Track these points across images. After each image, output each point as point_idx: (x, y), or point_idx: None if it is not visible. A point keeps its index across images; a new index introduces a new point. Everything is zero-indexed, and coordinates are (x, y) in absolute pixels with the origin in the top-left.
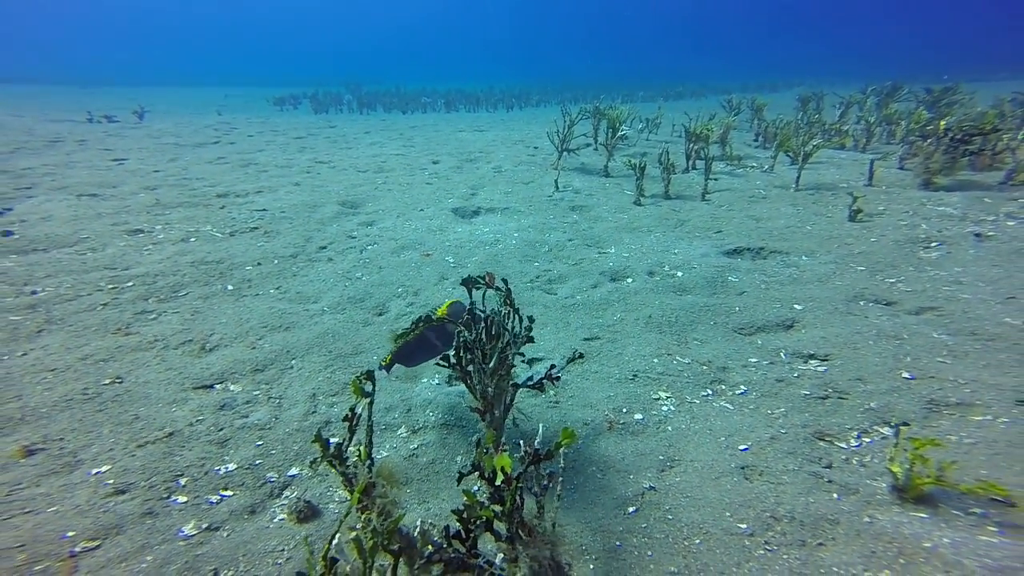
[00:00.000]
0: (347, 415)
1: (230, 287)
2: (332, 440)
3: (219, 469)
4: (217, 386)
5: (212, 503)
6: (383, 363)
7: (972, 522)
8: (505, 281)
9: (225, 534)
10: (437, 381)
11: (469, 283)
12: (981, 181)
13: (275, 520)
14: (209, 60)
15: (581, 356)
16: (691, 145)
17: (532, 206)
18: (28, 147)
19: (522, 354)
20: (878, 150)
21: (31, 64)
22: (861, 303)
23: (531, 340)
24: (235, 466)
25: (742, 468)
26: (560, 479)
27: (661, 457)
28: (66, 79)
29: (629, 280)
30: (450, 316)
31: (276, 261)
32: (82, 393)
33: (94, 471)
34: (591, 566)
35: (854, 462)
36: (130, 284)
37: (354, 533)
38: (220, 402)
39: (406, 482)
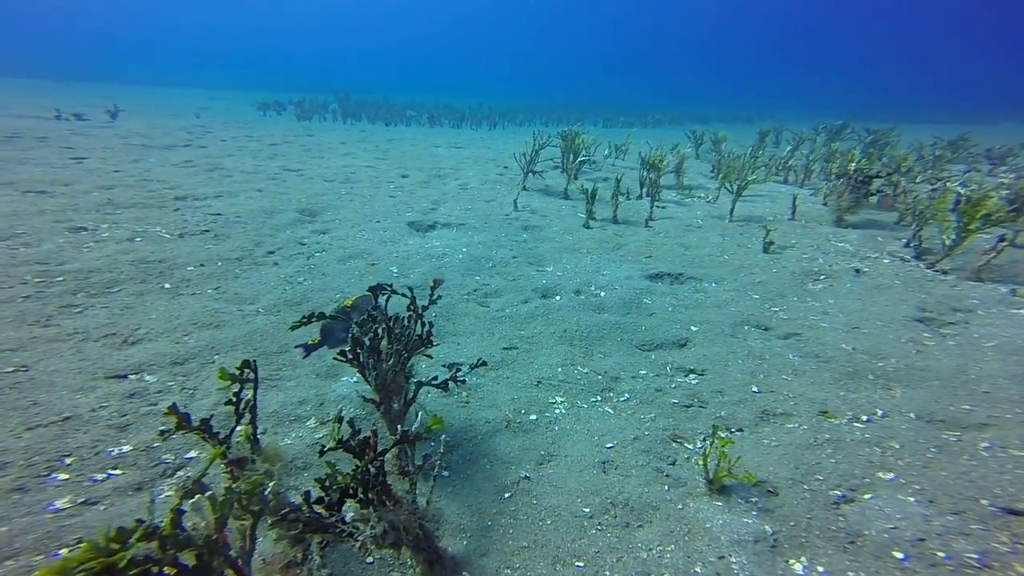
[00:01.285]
0: (230, 399)
1: (167, 286)
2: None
3: (112, 451)
4: (132, 376)
5: (96, 480)
6: (311, 342)
7: (744, 508)
8: (410, 288)
9: (102, 508)
10: (356, 379)
11: (376, 289)
12: (883, 220)
13: (161, 496)
14: (201, 62)
15: (484, 363)
16: (645, 173)
17: (488, 223)
18: None
19: (429, 356)
20: (815, 186)
21: (7, 56)
22: (745, 327)
23: (430, 343)
24: (129, 448)
25: (603, 463)
26: (438, 463)
27: (542, 452)
28: (43, 73)
29: (557, 297)
30: (356, 308)
31: (220, 263)
32: None
33: None
34: (464, 542)
35: (692, 460)
36: (60, 279)
37: (209, 493)
38: (131, 391)
39: (304, 467)
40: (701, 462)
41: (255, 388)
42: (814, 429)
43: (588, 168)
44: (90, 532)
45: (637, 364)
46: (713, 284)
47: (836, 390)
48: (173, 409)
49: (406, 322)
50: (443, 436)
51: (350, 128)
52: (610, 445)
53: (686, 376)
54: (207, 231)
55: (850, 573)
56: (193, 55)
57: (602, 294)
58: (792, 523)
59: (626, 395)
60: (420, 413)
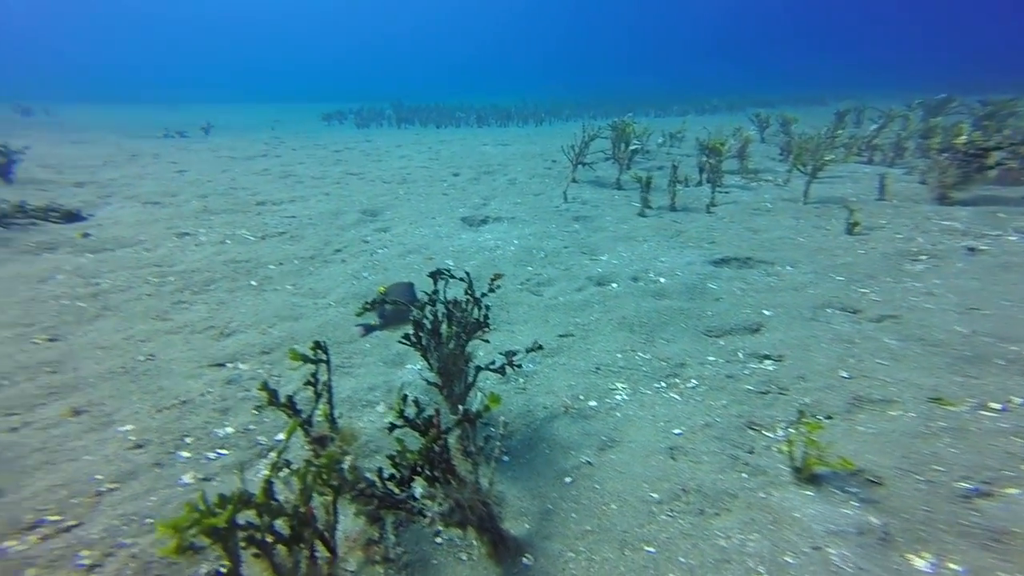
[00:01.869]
0: (309, 379)
1: (253, 283)
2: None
3: (218, 432)
4: (229, 364)
5: (209, 459)
6: (373, 324)
7: (841, 498)
8: (468, 273)
9: (215, 483)
10: (420, 366)
11: (435, 275)
12: (1004, 196)
13: (259, 475)
14: (274, 79)
15: (539, 347)
16: (704, 158)
17: (538, 216)
18: (114, 161)
19: (486, 340)
20: (908, 164)
21: (132, 86)
22: (828, 310)
23: (487, 327)
24: (232, 430)
25: (671, 449)
26: (500, 445)
27: (603, 438)
28: (156, 99)
29: (614, 285)
30: (389, 292)
31: (296, 262)
32: (121, 368)
33: (121, 429)
34: (526, 525)
35: (773, 449)
36: (171, 279)
37: (295, 467)
38: (228, 378)
39: (376, 450)
40: (785, 448)
41: (328, 369)
42: (925, 416)
43: (641, 158)
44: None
45: (704, 350)
46: (788, 267)
47: (950, 375)
48: (265, 386)
49: (464, 306)
50: (502, 418)
51: (404, 132)
52: (678, 431)
53: (761, 362)
54: (284, 232)
55: (1000, 573)
56: (266, 74)
57: (662, 280)
58: (906, 515)
59: (693, 381)
60: (480, 396)
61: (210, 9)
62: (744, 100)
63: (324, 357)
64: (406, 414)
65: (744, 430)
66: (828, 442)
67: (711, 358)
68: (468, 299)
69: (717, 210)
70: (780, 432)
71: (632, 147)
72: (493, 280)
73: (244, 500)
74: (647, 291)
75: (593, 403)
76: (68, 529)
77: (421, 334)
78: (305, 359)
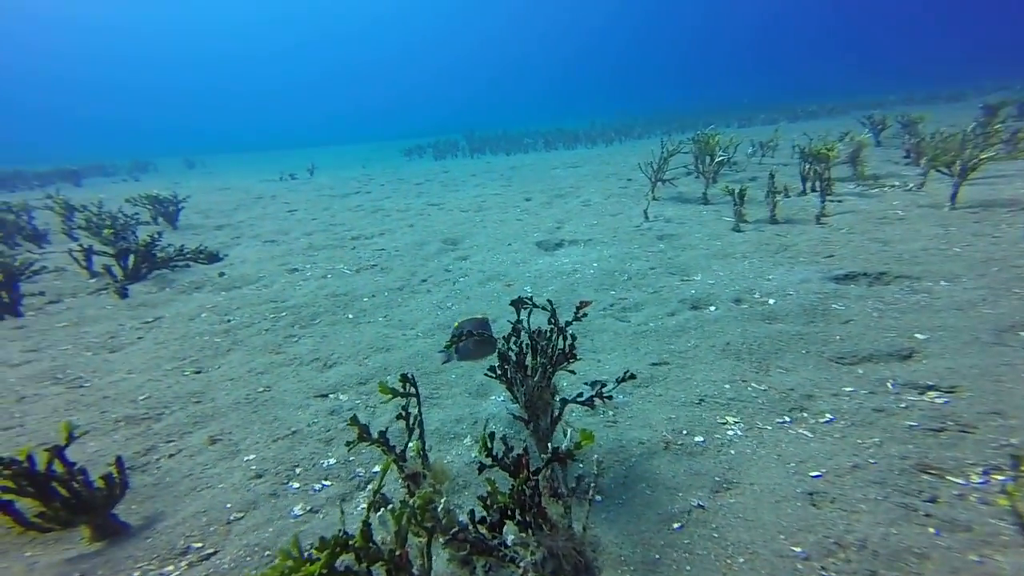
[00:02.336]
0: (400, 413)
1: (350, 316)
2: (379, 430)
3: (323, 463)
4: (331, 395)
5: (315, 490)
6: (446, 346)
7: None
8: (550, 302)
9: (321, 516)
10: (503, 397)
11: (517, 303)
12: None
13: (358, 508)
14: (360, 121)
15: (632, 376)
16: (807, 166)
17: (616, 237)
18: (244, 204)
19: (572, 371)
20: None
21: (258, 135)
22: (1021, 334)
23: (574, 357)
24: (335, 461)
25: (809, 494)
26: (593, 485)
27: (717, 478)
28: (274, 145)
29: (711, 308)
30: (462, 326)
31: (386, 293)
32: (245, 398)
33: (246, 458)
34: None
35: (972, 499)
36: (284, 314)
37: (391, 506)
38: (331, 408)
39: (465, 485)
40: (1004, 502)
41: (419, 403)
42: None
43: (728, 170)
44: (318, 538)
45: (836, 380)
46: (942, 282)
47: None
48: (355, 421)
49: (549, 336)
50: (595, 456)
51: (477, 161)
52: (816, 474)
53: (922, 394)
54: (375, 265)
55: None
56: (353, 117)
57: (771, 301)
58: None
59: (828, 416)
60: (568, 431)
61: (301, 75)
62: (848, 103)
63: (412, 391)
64: (494, 452)
65: (915, 474)
66: None
67: (848, 389)
68: (552, 328)
69: (830, 221)
70: (978, 479)
71: (718, 159)
72: (579, 308)
73: (342, 544)
74: (754, 314)
75: (699, 439)
76: (208, 557)
77: (506, 367)
78: (394, 392)
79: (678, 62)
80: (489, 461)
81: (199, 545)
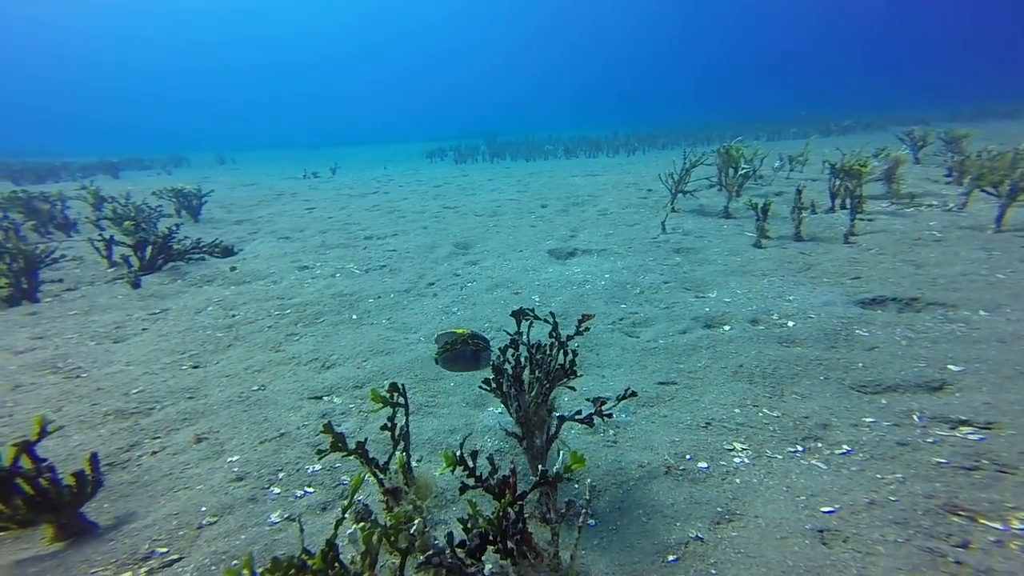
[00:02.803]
0: (386, 424)
1: (354, 316)
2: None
3: (308, 468)
4: (325, 397)
5: (297, 497)
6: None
7: None
8: (552, 314)
9: (296, 527)
10: (500, 410)
11: (518, 314)
12: None
13: (345, 518)
14: (385, 123)
15: (633, 394)
16: (837, 182)
17: (632, 248)
18: (266, 200)
19: (572, 388)
20: None
21: (288, 133)
22: None
23: (574, 374)
24: (320, 467)
25: (820, 531)
26: (585, 511)
27: (719, 509)
28: (302, 143)
29: (726, 327)
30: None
31: (392, 295)
32: (238, 396)
33: (229, 459)
34: None
35: (1013, 547)
36: (288, 311)
37: (362, 523)
38: (323, 411)
39: (453, 500)
40: None
41: (407, 413)
42: None
43: (753, 184)
44: (291, 549)
45: (857, 409)
46: (982, 312)
47: None
48: (329, 428)
49: (548, 350)
50: (588, 480)
51: (496, 166)
52: (829, 509)
53: (954, 428)
54: (384, 266)
55: None
56: (379, 118)
57: (790, 324)
58: None
59: (845, 447)
60: (562, 452)
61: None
62: (887, 119)
63: (401, 400)
64: (478, 472)
65: (942, 516)
66: None
67: (869, 419)
68: (553, 342)
69: (859, 240)
70: (1020, 524)
71: (742, 170)
72: (581, 322)
73: (296, 567)
74: (770, 336)
75: (703, 464)
76: (170, 564)
77: (502, 380)
78: (385, 402)
79: (708, 73)
80: (471, 481)
81: (164, 550)
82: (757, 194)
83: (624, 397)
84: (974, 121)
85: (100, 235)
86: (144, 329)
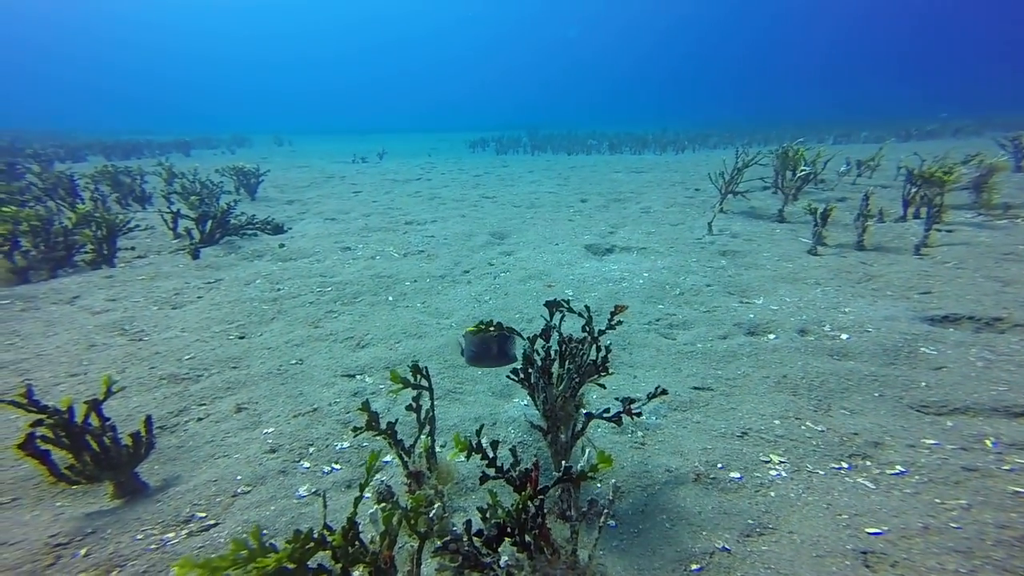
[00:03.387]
0: (411, 404)
1: (390, 298)
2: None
3: (337, 445)
4: (358, 376)
5: (324, 472)
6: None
7: None
8: (587, 308)
9: (327, 499)
10: (526, 402)
11: (551, 305)
12: None
13: (364, 496)
14: (436, 112)
15: (664, 392)
16: (912, 188)
17: (674, 248)
18: (316, 182)
19: (602, 385)
20: None
21: (344, 118)
22: None
23: (606, 371)
24: (348, 444)
25: (863, 553)
26: (607, 512)
27: (750, 521)
28: (354, 129)
29: (771, 336)
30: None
31: (428, 280)
32: (277, 369)
33: (265, 431)
34: None
35: None
36: (329, 289)
37: (383, 504)
38: (355, 389)
39: (473, 488)
40: None
41: (431, 398)
42: None
43: (814, 188)
44: (314, 523)
45: (916, 429)
46: None
47: None
48: (366, 407)
49: (580, 344)
50: (613, 480)
51: (537, 159)
52: (876, 531)
53: None
54: (422, 251)
55: None
56: (431, 109)
57: (844, 336)
58: None
59: (899, 468)
60: (588, 450)
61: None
62: (983, 123)
63: (425, 383)
64: (499, 463)
65: (1020, 548)
66: None
67: (930, 441)
68: (586, 336)
69: (934, 252)
70: None
71: (800, 171)
72: (614, 314)
73: (316, 541)
74: (821, 348)
75: (736, 475)
76: (207, 528)
77: (531, 370)
78: (406, 383)
79: (773, 73)
80: (492, 471)
81: (203, 515)
82: (818, 199)
83: (655, 396)
84: None
85: (169, 208)
86: (199, 297)
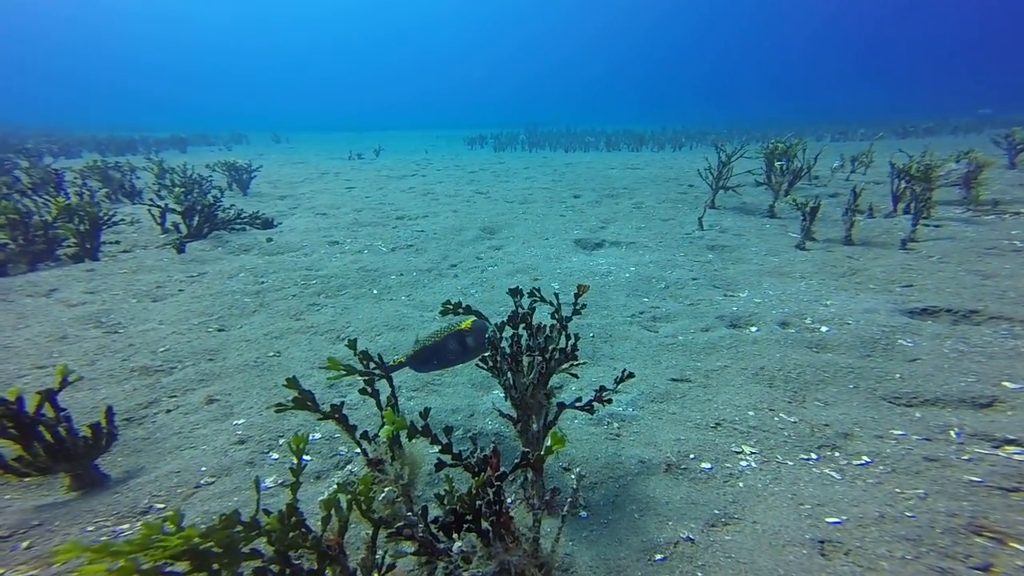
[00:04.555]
0: (364, 388)
1: (375, 291)
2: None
3: (310, 436)
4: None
5: (293, 464)
6: (393, 362)
7: None
8: (556, 295)
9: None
10: (505, 394)
11: (515, 292)
12: None
13: (331, 488)
14: (434, 109)
15: (631, 375)
16: (900, 184)
17: (663, 242)
18: (310, 178)
19: (574, 375)
20: None
21: (341, 115)
22: None
23: (575, 359)
24: (320, 436)
25: (820, 541)
26: (570, 500)
27: (716, 511)
28: (353, 126)
29: (752, 328)
30: (471, 332)
31: (415, 274)
32: (255, 361)
33: (235, 422)
34: None
35: None
36: (314, 282)
37: (335, 490)
38: (332, 382)
39: (446, 478)
40: None
41: (391, 384)
42: None
43: (807, 184)
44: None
45: (885, 421)
46: None
47: None
48: (294, 383)
49: (549, 331)
50: (578, 469)
51: (534, 156)
52: (834, 520)
53: (997, 447)
54: (411, 245)
55: None
56: (431, 106)
57: (824, 329)
58: None
59: (865, 458)
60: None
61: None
62: (982, 121)
63: (375, 369)
64: (456, 450)
65: (964, 535)
66: None
67: (897, 432)
68: (554, 324)
69: (920, 247)
70: None
71: (778, 164)
72: (578, 296)
73: (246, 525)
74: (800, 340)
75: (706, 465)
76: (165, 520)
77: (496, 356)
78: (350, 370)
79: (775, 70)
80: (448, 458)
81: (161, 506)
82: (809, 194)
83: (622, 379)
84: None
85: (152, 202)
86: (180, 291)
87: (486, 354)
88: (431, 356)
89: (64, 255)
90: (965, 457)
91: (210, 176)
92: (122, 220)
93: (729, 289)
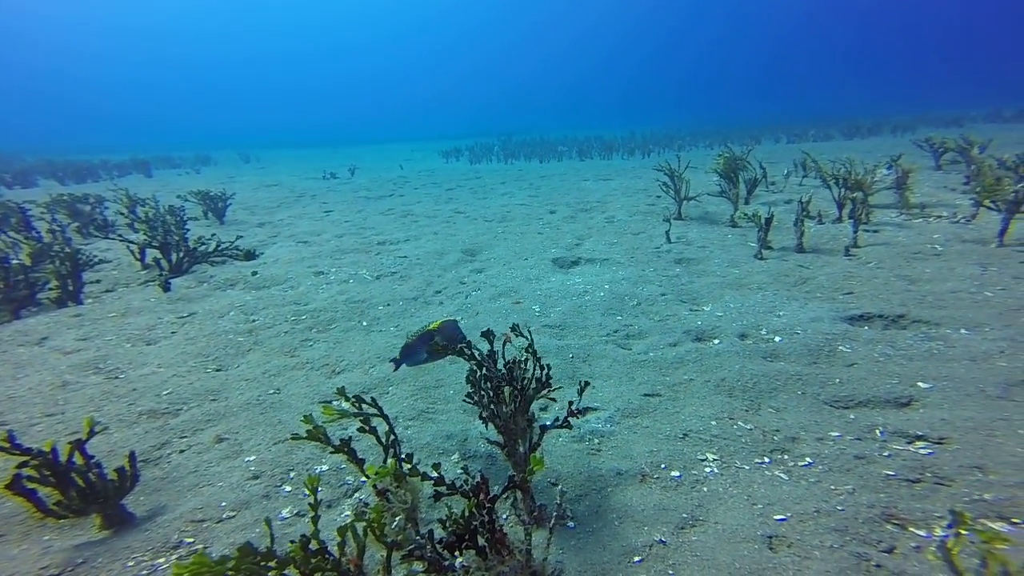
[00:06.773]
0: (363, 426)
1: (364, 323)
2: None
3: (317, 469)
4: (334, 402)
5: (305, 495)
6: (392, 360)
7: None
8: (530, 332)
9: (307, 519)
10: None
11: (489, 335)
12: None
13: (343, 515)
14: (404, 121)
15: (588, 384)
16: (842, 191)
17: (634, 258)
18: (286, 202)
19: (552, 399)
20: None
21: (309, 132)
22: None
23: (548, 387)
24: (327, 467)
25: (768, 537)
26: (555, 515)
27: (684, 515)
28: (324, 142)
29: (715, 341)
30: (440, 332)
31: (401, 303)
32: (256, 399)
33: (247, 459)
34: None
35: (931, 552)
36: (304, 317)
37: (351, 519)
38: (328, 424)
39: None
40: (932, 557)
41: (388, 420)
42: None
43: (765, 190)
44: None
45: (826, 423)
46: (962, 330)
47: None
48: (309, 419)
49: (524, 365)
50: (559, 486)
51: (509, 168)
52: (781, 517)
53: (910, 443)
54: (395, 272)
55: None
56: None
57: (776, 339)
58: None
59: (808, 459)
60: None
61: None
62: (919, 119)
63: (369, 411)
64: (450, 480)
65: (879, 524)
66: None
67: (834, 434)
68: (528, 356)
69: (860, 253)
70: (942, 532)
71: (734, 171)
72: (506, 342)
73: (248, 554)
74: (756, 351)
75: (676, 474)
76: (196, 552)
77: (483, 392)
78: (343, 414)
79: (737, 74)
80: (444, 489)
81: (191, 540)
82: (767, 201)
83: (582, 389)
84: (1012, 123)
85: (130, 241)
86: (173, 332)
87: (471, 392)
88: (419, 348)
89: (47, 299)
90: (885, 453)
91: (182, 207)
92: (102, 260)
93: (695, 303)
